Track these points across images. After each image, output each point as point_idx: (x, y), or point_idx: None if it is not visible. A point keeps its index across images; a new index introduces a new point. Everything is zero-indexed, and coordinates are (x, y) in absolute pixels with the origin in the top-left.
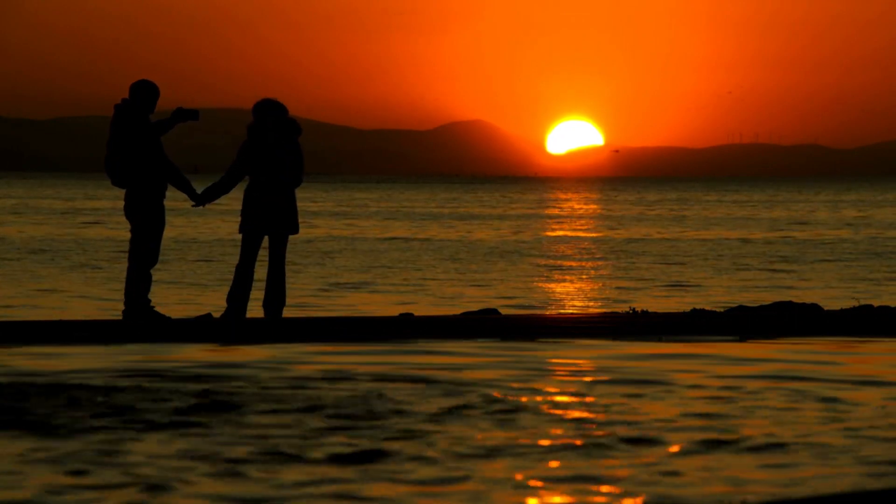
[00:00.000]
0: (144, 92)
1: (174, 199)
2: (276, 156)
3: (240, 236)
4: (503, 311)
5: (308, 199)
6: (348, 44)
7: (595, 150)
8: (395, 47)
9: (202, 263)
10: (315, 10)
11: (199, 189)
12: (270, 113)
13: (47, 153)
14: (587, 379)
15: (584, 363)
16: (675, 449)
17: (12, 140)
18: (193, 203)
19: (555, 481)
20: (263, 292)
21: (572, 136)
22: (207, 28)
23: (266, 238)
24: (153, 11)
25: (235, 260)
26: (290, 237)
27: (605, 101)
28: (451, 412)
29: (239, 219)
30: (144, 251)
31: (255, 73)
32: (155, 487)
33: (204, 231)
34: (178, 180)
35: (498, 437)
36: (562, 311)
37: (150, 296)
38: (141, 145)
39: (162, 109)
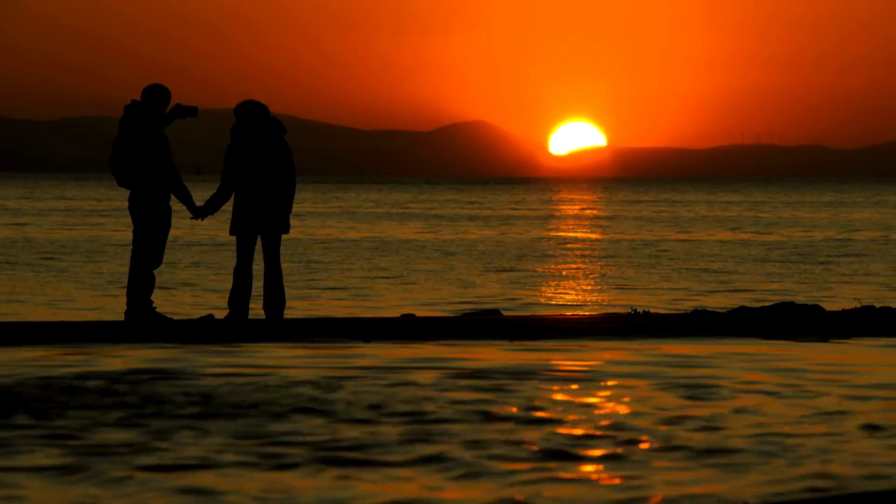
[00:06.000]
0: (156, 95)
1: (175, 200)
2: (265, 156)
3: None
4: (504, 312)
5: (308, 200)
6: (351, 44)
7: (597, 151)
8: (397, 48)
9: (203, 264)
10: (320, 10)
11: (198, 193)
12: (254, 114)
13: (51, 154)
14: (588, 379)
15: (585, 363)
16: (676, 449)
17: (16, 140)
18: (192, 216)
19: (555, 482)
20: (262, 294)
21: (574, 137)
22: (212, 28)
23: (260, 239)
24: (158, 11)
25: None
26: (294, 239)
27: (607, 102)
28: (446, 413)
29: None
30: (147, 252)
31: (259, 72)
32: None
33: (205, 231)
34: (179, 190)
35: (498, 437)
36: (563, 311)
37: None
38: (147, 146)
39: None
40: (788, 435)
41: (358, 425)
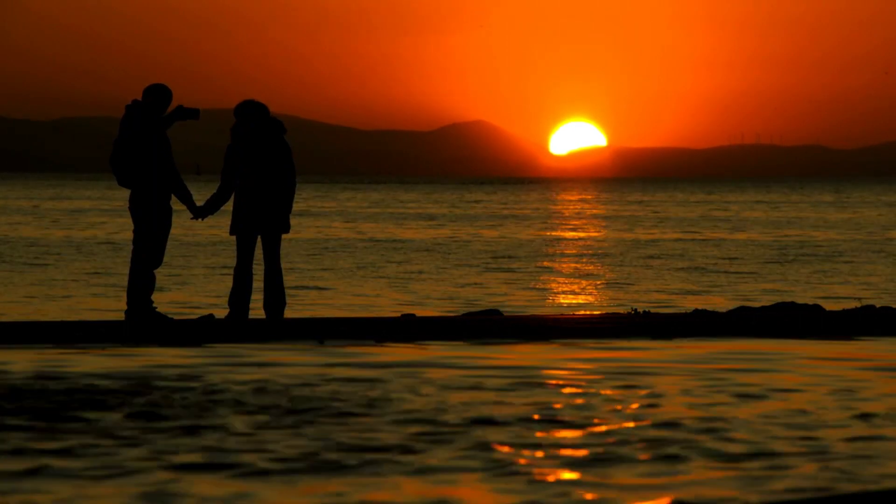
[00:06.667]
0: (157, 95)
1: (175, 200)
2: (265, 156)
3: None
4: (504, 312)
5: (308, 200)
6: (351, 44)
7: (597, 151)
8: (397, 48)
9: (203, 264)
10: (320, 10)
11: (198, 191)
12: (254, 114)
13: (51, 154)
14: (589, 379)
15: (585, 364)
16: (676, 450)
17: (16, 140)
18: (192, 216)
19: (556, 481)
20: (262, 294)
21: (575, 137)
22: (212, 28)
23: (260, 239)
24: (158, 11)
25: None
26: (294, 239)
27: (607, 102)
28: (445, 413)
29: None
30: (147, 252)
31: (259, 72)
32: (158, 493)
33: (205, 231)
34: (180, 190)
35: (502, 438)
36: (564, 311)
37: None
38: (148, 146)
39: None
40: (781, 437)
41: (363, 426)
